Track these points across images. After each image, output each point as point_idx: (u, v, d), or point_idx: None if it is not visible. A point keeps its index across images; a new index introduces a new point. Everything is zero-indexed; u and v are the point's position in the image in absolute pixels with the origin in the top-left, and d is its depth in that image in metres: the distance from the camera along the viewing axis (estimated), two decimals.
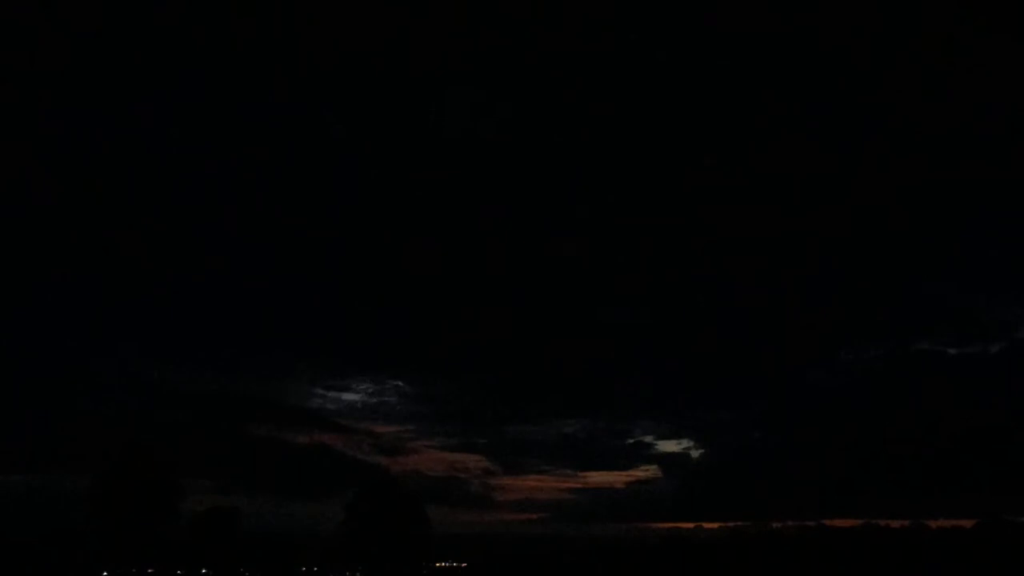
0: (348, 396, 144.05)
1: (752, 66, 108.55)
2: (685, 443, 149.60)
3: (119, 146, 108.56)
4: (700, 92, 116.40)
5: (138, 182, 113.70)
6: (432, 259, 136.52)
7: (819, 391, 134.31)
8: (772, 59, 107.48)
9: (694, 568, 73.56)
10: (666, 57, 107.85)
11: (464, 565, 79.02)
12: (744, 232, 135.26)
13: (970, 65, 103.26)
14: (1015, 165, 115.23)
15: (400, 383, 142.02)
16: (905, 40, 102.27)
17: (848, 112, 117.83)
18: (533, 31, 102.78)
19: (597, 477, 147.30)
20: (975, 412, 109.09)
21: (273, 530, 79.12)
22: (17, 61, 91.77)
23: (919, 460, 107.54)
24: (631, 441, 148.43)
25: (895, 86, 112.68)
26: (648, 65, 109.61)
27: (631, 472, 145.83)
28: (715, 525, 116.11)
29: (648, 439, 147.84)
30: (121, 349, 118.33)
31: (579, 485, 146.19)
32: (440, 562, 77.46)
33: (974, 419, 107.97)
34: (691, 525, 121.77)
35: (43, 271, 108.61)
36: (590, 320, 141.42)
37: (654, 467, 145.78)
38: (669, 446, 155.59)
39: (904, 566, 66.68)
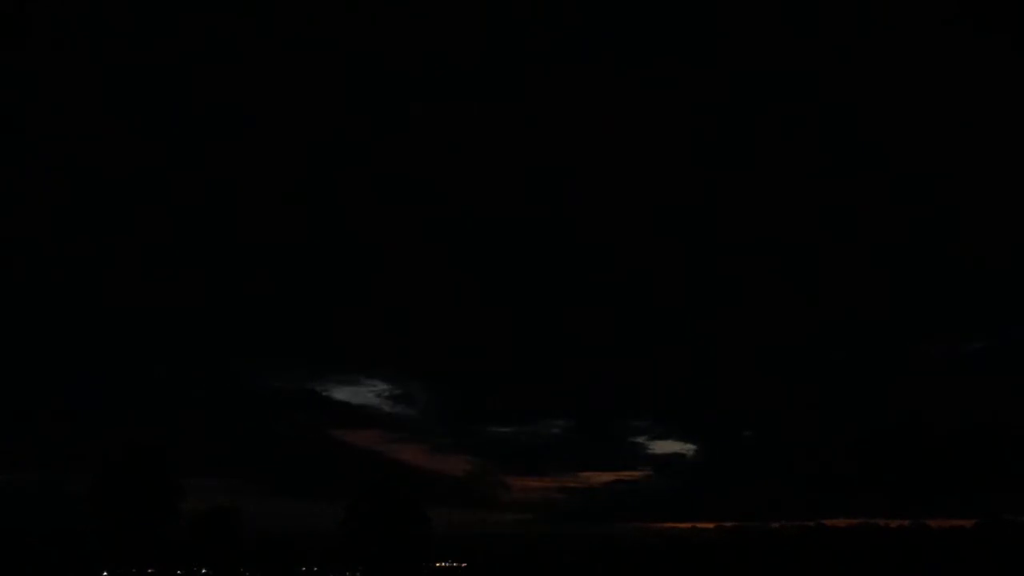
0: (346, 397, 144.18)
1: (752, 66, 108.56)
2: (681, 443, 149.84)
3: (116, 145, 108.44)
4: (699, 93, 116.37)
5: (137, 183, 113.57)
6: (426, 259, 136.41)
7: (815, 390, 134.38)
8: (770, 59, 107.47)
9: (693, 568, 73.64)
10: (665, 60, 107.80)
11: (464, 565, 79.10)
12: (741, 232, 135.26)
13: (970, 65, 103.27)
14: (1009, 163, 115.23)
15: (397, 384, 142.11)
16: (907, 40, 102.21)
17: (847, 113, 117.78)
18: (533, 31, 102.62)
19: (595, 477, 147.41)
20: (974, 411, 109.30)
21: (273, 530, 79.21)
22: (16, 61, 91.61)
23: (919, 460, 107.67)
24: (628, 441, 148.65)
25: (895, 85, 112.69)
26: (648, 68, 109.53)
27: (628, 472, 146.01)
28: (711, 525, 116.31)
29: (645, 439, 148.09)
30: (121, 349, 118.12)
31: (577, 485, 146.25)
32: (440, 562, 77.54)
33: (973, 418, 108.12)
34: (688, 525, 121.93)
35: (43, 271, 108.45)
36: (587, 319, 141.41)
37: (651, 467, 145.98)
38: (665, 446, 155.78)
39: (904, 566, 66.76)
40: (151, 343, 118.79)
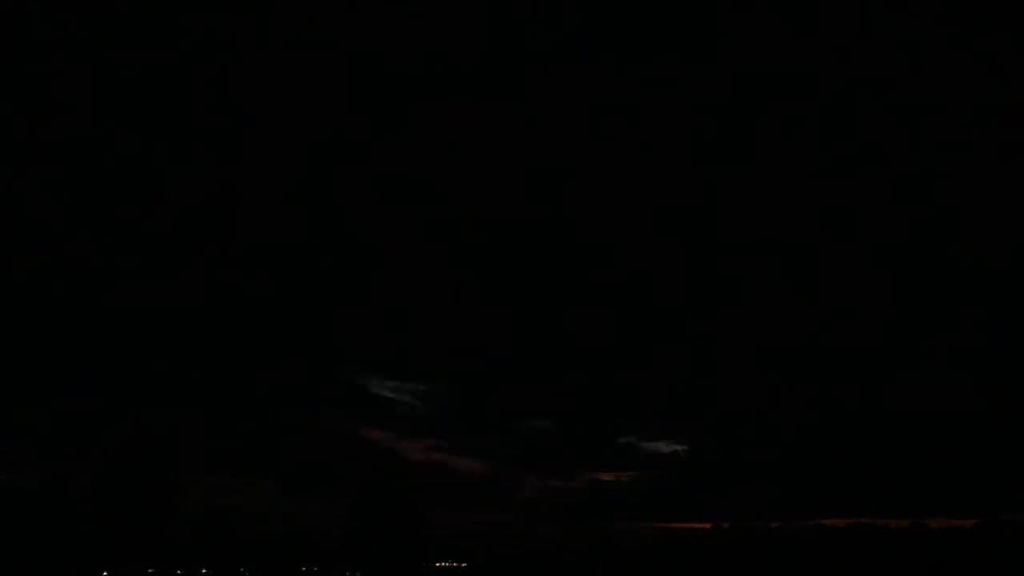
0: (346, 397, 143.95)
1: (752, 66, 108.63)
2: (681, 443, 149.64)
3: (115, 145, 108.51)
4: (699, 93, 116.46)
5: (136, 183, 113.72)
6: (426, 259, 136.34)
7: (815, 390, 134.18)
8: (770, 59, 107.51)
9: (692, 568, 73.68)
10: (665, 60, 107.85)
11: (464, 565, 79.09)
12: (741, 232, 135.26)
13: (971, 65, 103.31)
14: (1009, 163, 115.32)
15: (397, 384, 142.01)
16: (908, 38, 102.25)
17: (847, 113, 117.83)
18: (533, 31, 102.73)
19: (595, 477, 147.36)
20: (974, 411, 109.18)
21: (273, 530, 79.23)
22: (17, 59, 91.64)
23: (919, 460, 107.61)
24: (627, 441, 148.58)
25: (895, 85, 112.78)
26: (648, 68, 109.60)
27: (628, 472, 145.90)
28: (710, 525, 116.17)
29: (644, 439, 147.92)
30: (121, 349, 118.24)
31: (577, 485, 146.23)
32: (440, 562, 77.51)
33: (973, 418, 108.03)
34: (687, 525, 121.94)
35: (43, 270, 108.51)
36: (587, 319, 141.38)
37: (650, 467, 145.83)
38: (665, 446, 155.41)
39: (904, 566, 66.77)
40: (151, 343, 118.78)
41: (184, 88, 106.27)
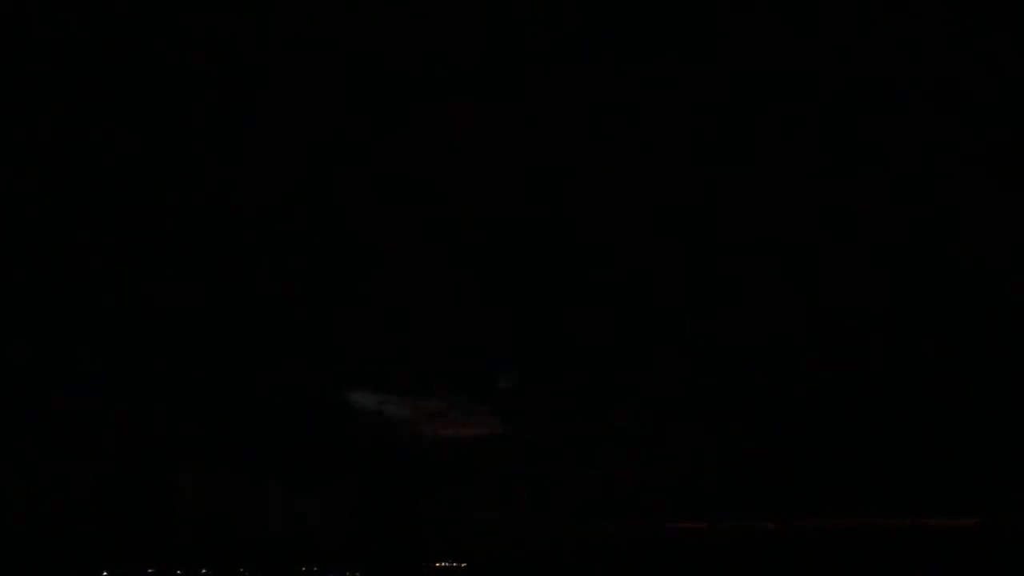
0: (346, 397, 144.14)
1: (752, 66, 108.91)
2: (679, 442, 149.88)
3: (115, 145, 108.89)
4: (699, 93, 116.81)
5: (137, 182, 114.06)
6: (426, 259, 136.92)
7: (815, 390, 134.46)
8: (770, 59, 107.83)
9: (692, 568, 73.89)
10: (665, 60, 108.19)
11: (464, 565, 79.34)
12: (741, 232, 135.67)
13: (971, 65, 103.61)
14: (1009, 163, 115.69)
15: (397, 384, 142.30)
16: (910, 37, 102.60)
17: (847, 113, 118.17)
18: (533, 31, 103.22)
19: (595, 477, 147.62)
20: (974, 411, 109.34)
21: (273, 530, 79.45)
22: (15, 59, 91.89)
23: (919, 459, 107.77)
24: (627, 440, 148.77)
25: (895, 85, 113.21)
26: (648, 68, 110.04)
27: (627, 472, 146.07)
28: (710, 524, 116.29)
29: (643, 438, 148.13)
30: (121, 348, 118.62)
31: (577, 485, 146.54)
32: (440, 562, 77.78)
33: (974, 418, 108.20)
34: (687, 525, 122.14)
35: (42, 270, 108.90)
36: (587, 319, 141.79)
37: (650, 467, 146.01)
38: (664, 445, 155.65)
39: (904, 566, 66.95)
40: (151, 343, 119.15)
41: (184, 88, 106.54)
